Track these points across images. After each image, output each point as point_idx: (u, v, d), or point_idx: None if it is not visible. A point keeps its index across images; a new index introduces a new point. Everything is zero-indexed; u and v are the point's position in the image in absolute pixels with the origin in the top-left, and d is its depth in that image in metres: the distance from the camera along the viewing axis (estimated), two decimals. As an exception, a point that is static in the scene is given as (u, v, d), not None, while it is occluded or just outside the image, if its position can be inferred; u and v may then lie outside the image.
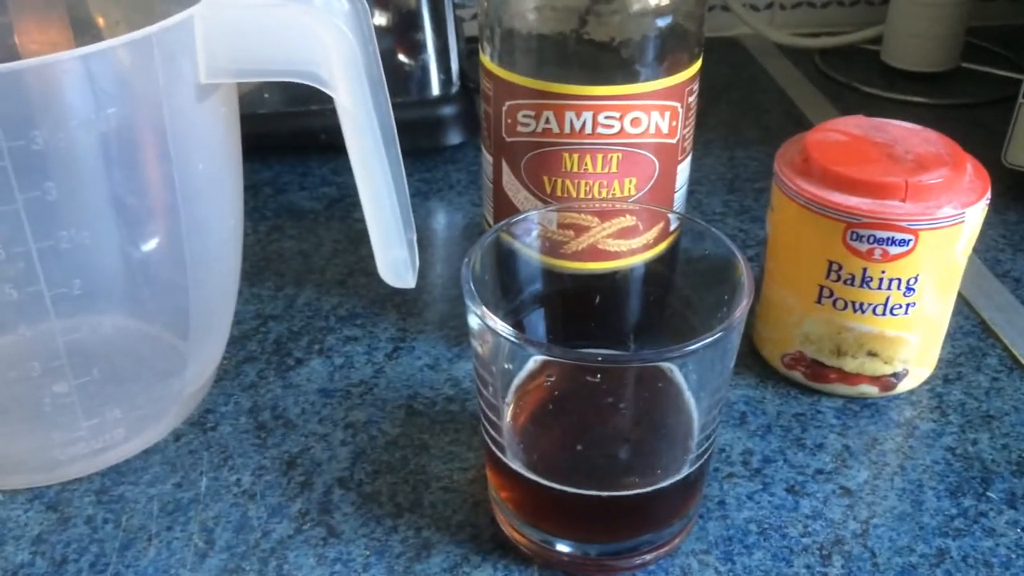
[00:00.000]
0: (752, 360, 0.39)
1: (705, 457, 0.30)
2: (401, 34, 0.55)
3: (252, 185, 0.52)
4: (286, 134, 0.54)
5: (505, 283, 0.33)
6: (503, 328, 0.26)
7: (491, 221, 0.39)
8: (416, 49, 0.55)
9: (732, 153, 0.57)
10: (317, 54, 0.31)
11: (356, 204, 0.34)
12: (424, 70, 0.55)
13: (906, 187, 0.33)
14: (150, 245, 0.31)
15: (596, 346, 0.34)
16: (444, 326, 0.41)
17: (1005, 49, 0.69)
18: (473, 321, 0.28)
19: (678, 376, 0.30)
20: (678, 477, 0.29)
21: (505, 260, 0.33)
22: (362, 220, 0.34)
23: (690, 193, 0.51)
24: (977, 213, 0.34)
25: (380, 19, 0.54)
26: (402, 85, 0.55)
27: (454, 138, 0.56)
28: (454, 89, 0.56)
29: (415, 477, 0.33)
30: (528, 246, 0.33)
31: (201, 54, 0.30)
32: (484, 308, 0.27)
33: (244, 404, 0.37)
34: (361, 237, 0.35)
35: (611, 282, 0.36)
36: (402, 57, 0.55)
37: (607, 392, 0.29)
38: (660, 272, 0.35)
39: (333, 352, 0.40)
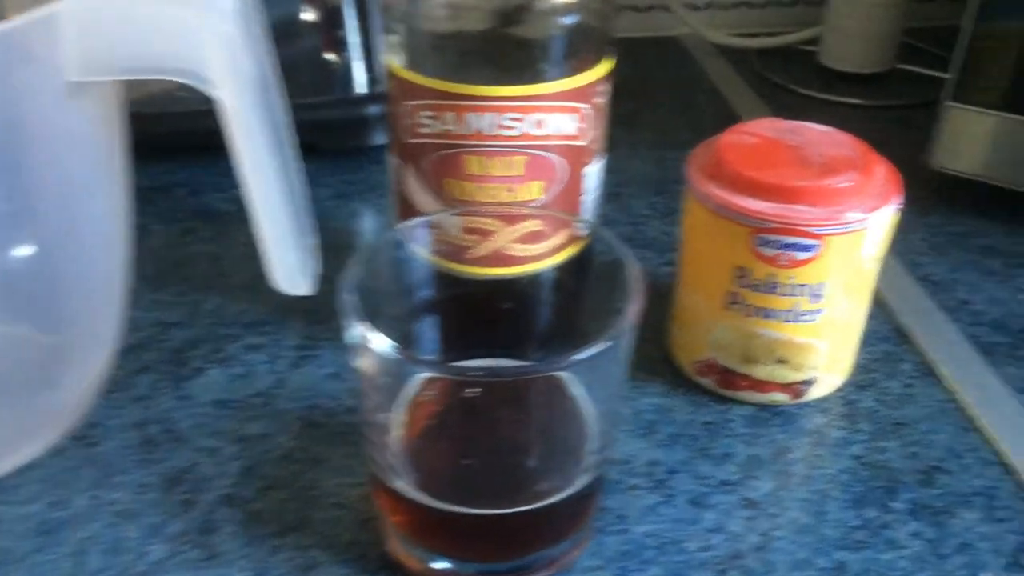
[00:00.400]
0: (664, 367, 0.38)
1: (601, 469, 0.29)
2: (325, 31, 0.53)
3: (165, 186, 0.51)
4: (202, 133, 0.52)
5: (400, 290, 0.32)
6: (378, 341, 0.25)
7: (398, 226, 0.38)
8: (340, 46, 0.54)
9: (663, 154, 0.56)
10: (196, 51, 0.29)
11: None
12: (348, 68, 0.54)
13: (813, 191, 0.33)
14: (15, 251, 0.29)
15: (497, 355, 0.33)
16: (353, 333, 0.40)
17: (941, 50, 0.68)
18: (351, 336, 0.26)
19: (570, 385, 0.29)
20: (572, 491, 0.28)
21: (400, 266, 0.31)
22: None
23: (616, 195, 0.51)
24: (883, 218, 0.33)
25: (304, 15, 0.53)
26: (326, 83, 0.54)
27: (379, 138, 0.54)
28: (379, 88, 0.55)
29: (306, 493, 0.32)
30: (427, 250, 0.32)
31: (70, 50, 0.28)
32: (362, 320, 0.26)
33: (133, 417, 0.35)
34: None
35: (516, 288, 0.35)
36: (326, 55, 0.54)
37: (496, 405, 0.28)
38: (565, 278, 0.34)
39: (234, 361, 0.38)
